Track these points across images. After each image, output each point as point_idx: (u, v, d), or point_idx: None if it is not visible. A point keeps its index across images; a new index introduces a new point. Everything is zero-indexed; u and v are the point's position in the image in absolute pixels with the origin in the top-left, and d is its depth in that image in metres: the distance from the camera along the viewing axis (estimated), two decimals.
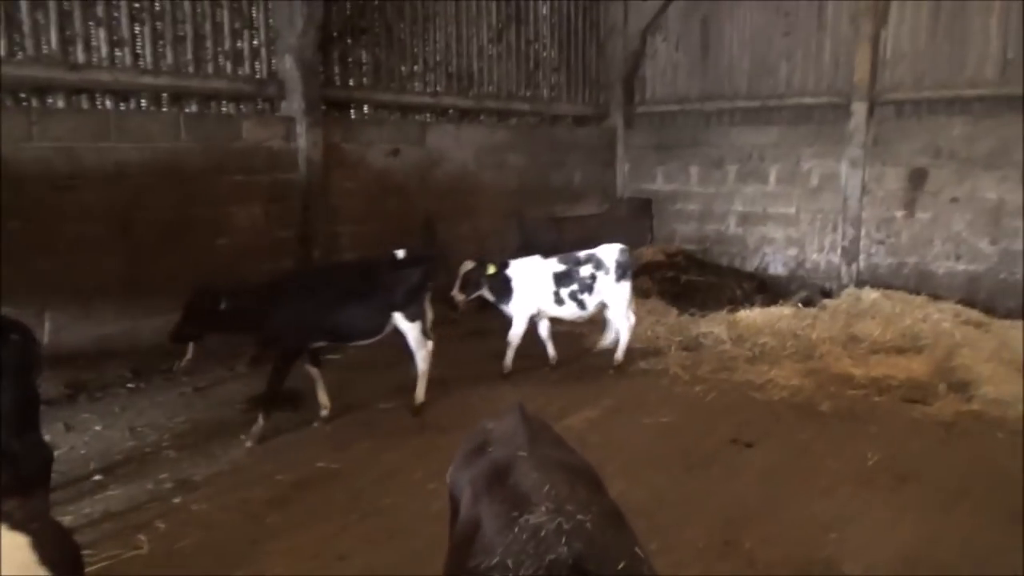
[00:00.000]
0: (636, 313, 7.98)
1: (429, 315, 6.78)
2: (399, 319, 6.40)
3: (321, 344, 6.37)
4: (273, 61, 8.54)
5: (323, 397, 6.44)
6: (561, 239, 10.67)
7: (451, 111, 10.66)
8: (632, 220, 12.65)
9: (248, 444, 5.86)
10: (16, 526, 1.77)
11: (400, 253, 6.57)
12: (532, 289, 7.54)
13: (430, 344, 6.62)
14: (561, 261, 7.67)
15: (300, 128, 8.58)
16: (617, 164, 13.07)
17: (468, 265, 7.52)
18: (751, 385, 7.18)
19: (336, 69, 9.16)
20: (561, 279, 7.58)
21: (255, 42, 8.44)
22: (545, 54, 11.90)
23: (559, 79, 12.20)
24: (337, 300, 6.17)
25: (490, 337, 8.85)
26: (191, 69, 7.89)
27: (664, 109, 12.59)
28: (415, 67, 10.07)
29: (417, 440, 5.94)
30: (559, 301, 7.59)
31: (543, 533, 1.90)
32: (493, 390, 7.13)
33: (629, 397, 6.97)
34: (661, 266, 11.32)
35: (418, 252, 6.89)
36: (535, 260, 7.71)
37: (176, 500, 4.96)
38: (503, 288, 7.55)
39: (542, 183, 11.80)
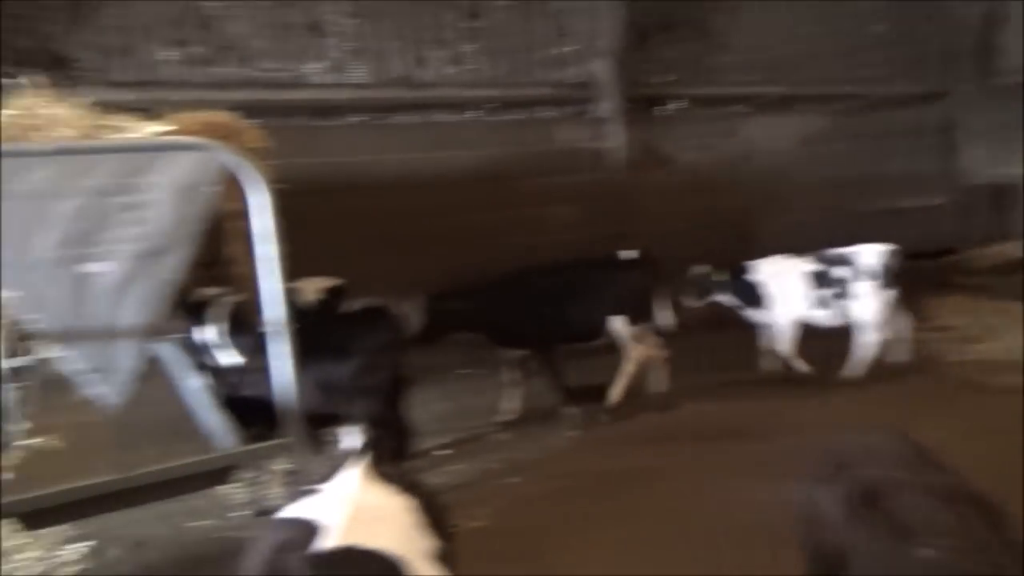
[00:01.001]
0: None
1: (669, 317, 6.54)
2: (616, 322, 6.18)
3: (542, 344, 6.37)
4: (586, 65, 8.80)
5: (508, 400, 6.52)
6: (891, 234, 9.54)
7: (766, 101, 10.08)
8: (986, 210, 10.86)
9: (568, 433, 6.07)
10: (401, 490, 1.96)
11: (625, 254, 6.35)
12: (787, 292, 6.86)
13: (641, 349, 6.33)
14: (816, 260, 6.93)
15: (611, 129, 8.74)
16: (961, 147, 11.33)
17: (697, 270, 7.13)
18: None
19: (647, 67, 9.17)
20: (818, 281, 6.85)
21: (570, 48, 8.76)
22: (873, 28, 10.71)
23: (887, 56, 10.91)
24: (560, 299, 6.10)
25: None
26: (514, 79, 8.45)
27: None
28: (728, 57, 9.70)
29: (738, 445, 5.66)
30: (819, 304, 6.83)
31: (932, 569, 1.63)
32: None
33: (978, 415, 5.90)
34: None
35: (644, 254, 6.56)
36: (784, 259, 7.02)
37: (508, 481, 5.30)
38: (749, 292, 6.98)
39: (867, 172, 10.64)
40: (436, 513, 2.01)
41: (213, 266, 5.16)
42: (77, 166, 3.22)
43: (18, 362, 5.67)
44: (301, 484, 2.06)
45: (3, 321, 4.44)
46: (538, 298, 6.19)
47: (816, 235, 9.79)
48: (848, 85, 10.55)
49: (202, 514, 5.02)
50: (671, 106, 9.48)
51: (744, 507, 4.60)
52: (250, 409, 4.92)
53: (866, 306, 6.72)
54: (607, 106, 8.68)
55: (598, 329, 6.25)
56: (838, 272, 6.78)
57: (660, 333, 6.40)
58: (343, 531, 1.62)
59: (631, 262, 6.34)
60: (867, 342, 6.84)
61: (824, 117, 10.41)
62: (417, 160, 7.92)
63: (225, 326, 5.95)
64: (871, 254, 6.76)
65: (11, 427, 4.51)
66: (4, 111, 3.42)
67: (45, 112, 3.41)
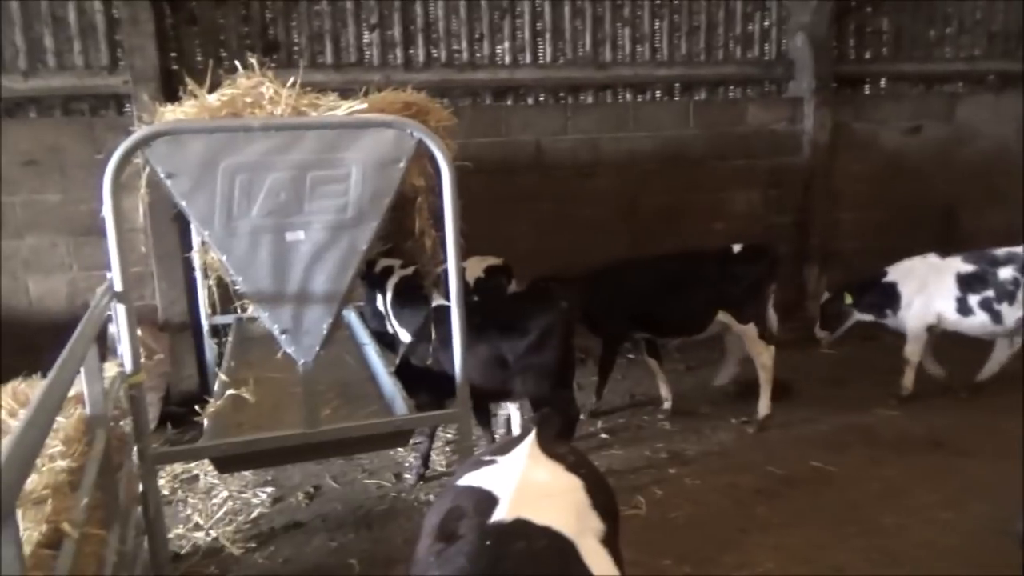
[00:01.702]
0: None
1: (773, 318, 6.08)
2: (727, 318, 5.77)
3: (646, 335, 6.26)
4: (783, 41, 8.29)
5: (664, 390, 6.33)
6: None
7: (991, 78, 8.99)
8: None
9: (750, 431, 5.85)
10: (570, 468, 1.95)
11: (736, 247, 5.91)
12: (927, 294, 6.08)
13: (771, 350, 5.85)
14: (968, 260, 6.02)
15: (807, 109, 8.18)
16: None
17: (825, 297, 6.65)
18: None
19: (851, 42, 8.49)
20: (969, 283, 5.94)
21: (766, 23, 8.29)
22: None
23: None
24: (657, 292, 5.86)
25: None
26: (702, 57, 8.12)
27: None
28: (947, 29, 8.74)
29: (927, 458, 5.19)
30: (965, 311, 5.94)
31: None
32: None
33: None
34: None
35: (758, 247, 6.06)
36: (930, 259, 6.18)
37: (671, 471, 5.18)
38: (885, 297, 6.26)
39: None
40: (603, 495, 1.98)
41: (395, 239, 5.43)
42: (284, 141, 3.46)
43: (220, 319, 6.33)
44: (480, 454, 2.10)
45: (211, 282, 4.94)
46: (631, 289, 6.03)
47: None
48: None
49: (373, 473, 5.33)
50: (880, 83, 8.71)
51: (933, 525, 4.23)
52: (419, 379, 5.19)
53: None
54: (804, 85, 8.11)
55: (700, 323, 5.97)
56: (1004, 273, 5.90)
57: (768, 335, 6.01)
58: (512, 504, 1.63)
59: (743, 254, 5.94)
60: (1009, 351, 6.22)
61: None
62: (603, 141, 7.84)
63: (390, 297, 6.29)
64: None
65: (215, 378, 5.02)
66: (228, 90, 3.75)
67: (261, 91, 3.70)
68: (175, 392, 6.69)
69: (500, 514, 1.59)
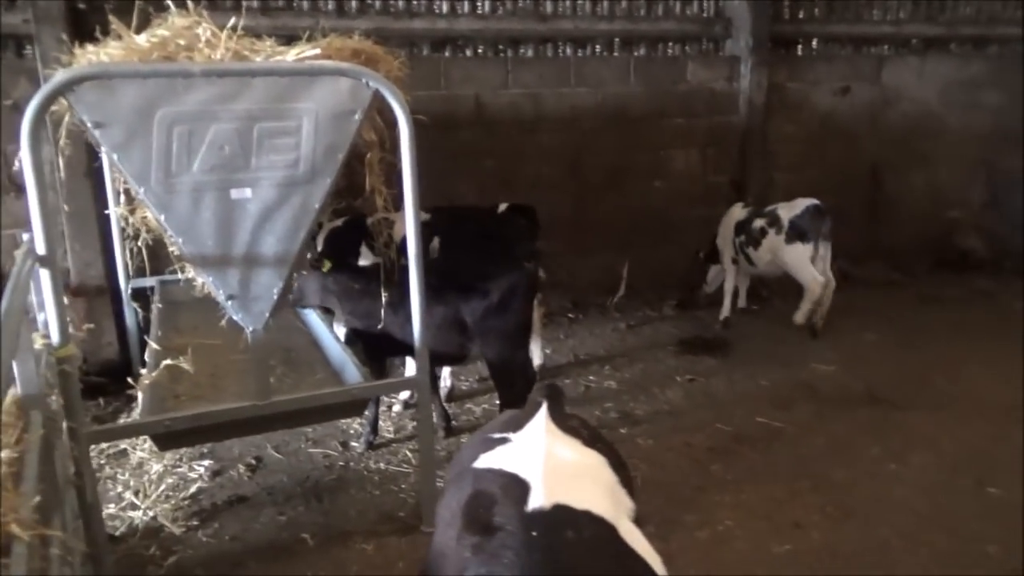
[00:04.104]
0: None
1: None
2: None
3: None
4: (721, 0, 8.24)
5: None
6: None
7: (914, 41, 9.22)
8: None
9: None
10: (588, 444, 1.81)
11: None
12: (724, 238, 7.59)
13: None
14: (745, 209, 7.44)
15: (744, 68, 8.20)
16: None
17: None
18: None
19: (786, 2, 8.50)
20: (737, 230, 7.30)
21: None
22: None
23: None
24: None
25: (944, 304, 7.76)
26: (642, 12, 7.99)
27: None
28: None
29: (868, 412, 5.36)
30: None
31: None
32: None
33: None
34: None
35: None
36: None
37: (622, 431, 5.16)
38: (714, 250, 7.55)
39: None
40: (623, 470, 1.87)
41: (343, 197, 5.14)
42: (228, 90, 3.15)
43: (140, 283, 5.89)
44: (485, 431, 1.93)
45: (141, 243, 4.55)
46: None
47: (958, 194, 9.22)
48: (1009, 26, 9.52)
49: (318, 442, 5.11)
50: (812, 44, 8.80)
51: (882, 477, 4.37)
52: (370, 344, 4.97)
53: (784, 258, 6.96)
54: (742, 43, 8.11)
55: None
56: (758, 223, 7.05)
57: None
58: (547, 488, 1.49)
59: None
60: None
61: (980, 62, 9.45)
62: (545, 96, 7.63)
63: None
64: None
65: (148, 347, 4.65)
66: (160, 30, 3.37)
67: (197, 33, 3.34)
68: (93, 361, 6.22)
69: (537, 501, 1.45)
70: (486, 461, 1.69)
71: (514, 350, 4.50)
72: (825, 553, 3.75)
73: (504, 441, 1.76)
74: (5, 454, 1.91)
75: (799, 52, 8.76)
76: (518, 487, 1.51)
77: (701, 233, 7.98)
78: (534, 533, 1.36)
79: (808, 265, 6.75)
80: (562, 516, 1.43)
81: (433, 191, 6.54)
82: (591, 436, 1.87)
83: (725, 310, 7.48)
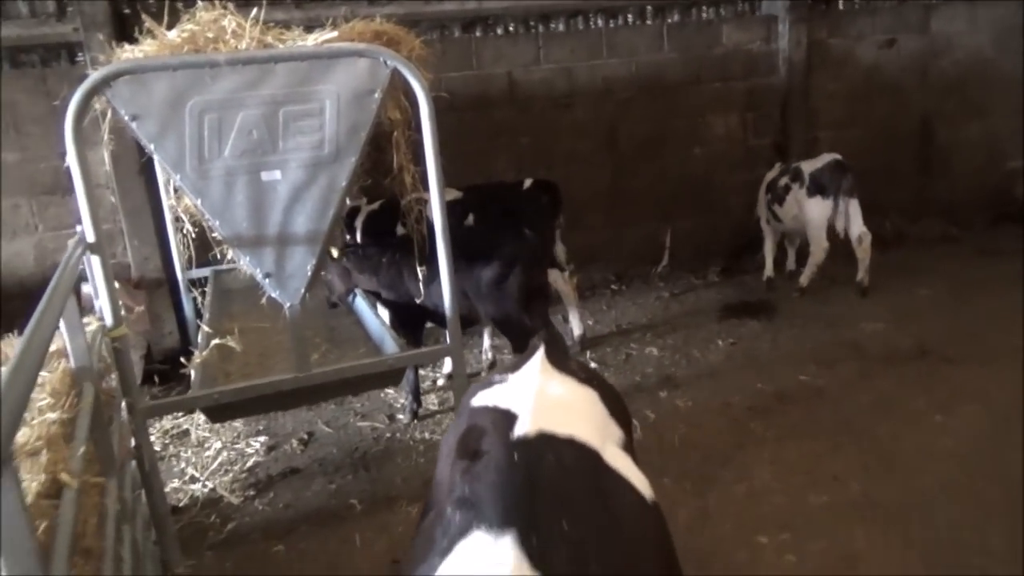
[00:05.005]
0: None
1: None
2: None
3: None
4: None
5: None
6: None
7: None
8: None
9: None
10: (583, 382, 1.91)
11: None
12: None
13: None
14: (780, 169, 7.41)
15: (782, 27, 8.02)
16: None
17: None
18: None
19: None
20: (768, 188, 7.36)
21: None
22: None
23: None
24: None
25: (1002, 258, 7.49)
26: None
27: None
28: None
29: (916, 367, 5.26)
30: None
31: None
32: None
33: None
34: None
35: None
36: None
37: (662, 394, 5.20)
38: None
39: None
40: (617, 403, 1.96)
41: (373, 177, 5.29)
42: (253, 77, 3.30)
43: (197, 273, 6.19)
44: (488, 375, 2.05)
45: (187, 229, 4.79)
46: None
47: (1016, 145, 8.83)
48: None
49: (366, 416, 5.31)
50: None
51: (926, 430, 4.30)
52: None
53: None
54: (779, 2, 7.93)
55: None
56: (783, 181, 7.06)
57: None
58: (533, 418, 1.58)
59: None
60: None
61: None
62: (578, 70, 7.64)
63: (359, 237, 6.18)
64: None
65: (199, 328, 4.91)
66: (189, 25, 3.55)
67: (223, 25, 3.50)
68: (157, 350, 6.57)
69: (523, 429, 1.54)
70: (482, 399, 1.79)
71: (510, 309, 4.73)
72: (865, 504, 3.73)
73: (502, 381, 1.86)
74: (56, 415, 2.08)
75: (840, 6, 8.50)
76: (507, 419, 1.60)
77: (745, 198, 7.90)
78: (516, 456, 1.45)
79: (823, 225, 6.67)
80: (544, 441, 1.52)
81: (472, 169, 6.72)
82: (588, 376, 1.95)
83: (768, 269, 7.42)
